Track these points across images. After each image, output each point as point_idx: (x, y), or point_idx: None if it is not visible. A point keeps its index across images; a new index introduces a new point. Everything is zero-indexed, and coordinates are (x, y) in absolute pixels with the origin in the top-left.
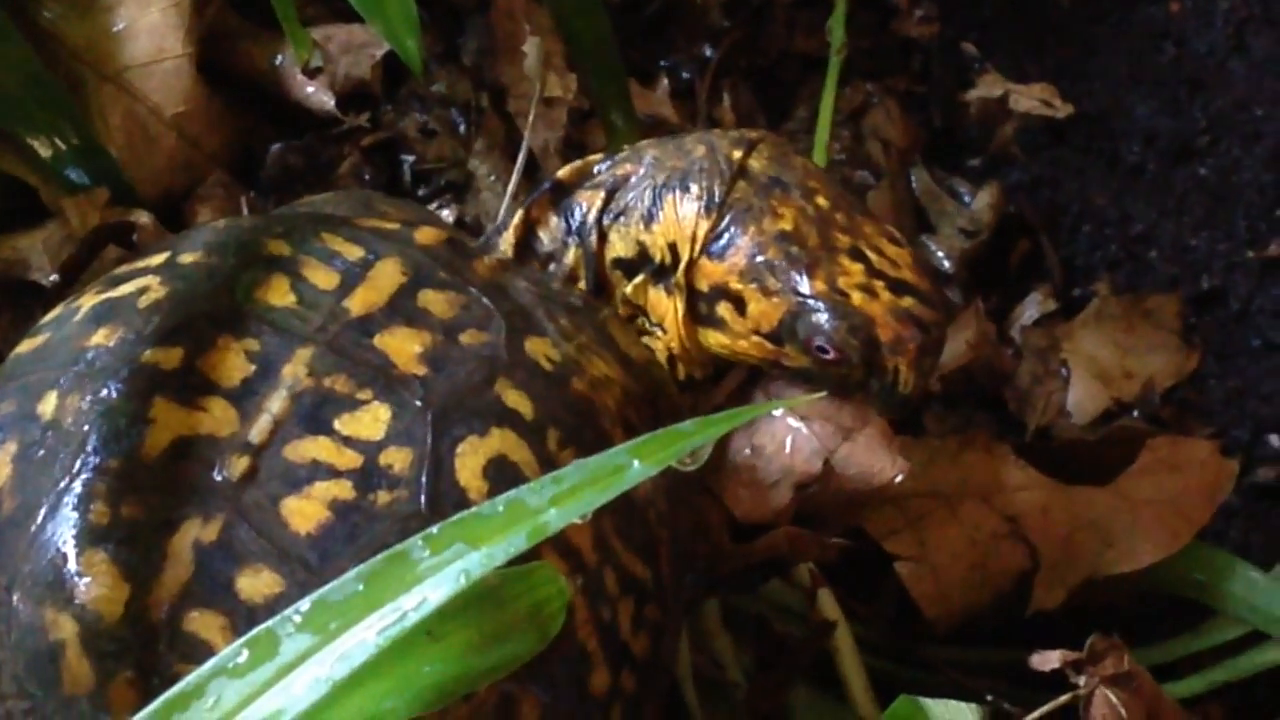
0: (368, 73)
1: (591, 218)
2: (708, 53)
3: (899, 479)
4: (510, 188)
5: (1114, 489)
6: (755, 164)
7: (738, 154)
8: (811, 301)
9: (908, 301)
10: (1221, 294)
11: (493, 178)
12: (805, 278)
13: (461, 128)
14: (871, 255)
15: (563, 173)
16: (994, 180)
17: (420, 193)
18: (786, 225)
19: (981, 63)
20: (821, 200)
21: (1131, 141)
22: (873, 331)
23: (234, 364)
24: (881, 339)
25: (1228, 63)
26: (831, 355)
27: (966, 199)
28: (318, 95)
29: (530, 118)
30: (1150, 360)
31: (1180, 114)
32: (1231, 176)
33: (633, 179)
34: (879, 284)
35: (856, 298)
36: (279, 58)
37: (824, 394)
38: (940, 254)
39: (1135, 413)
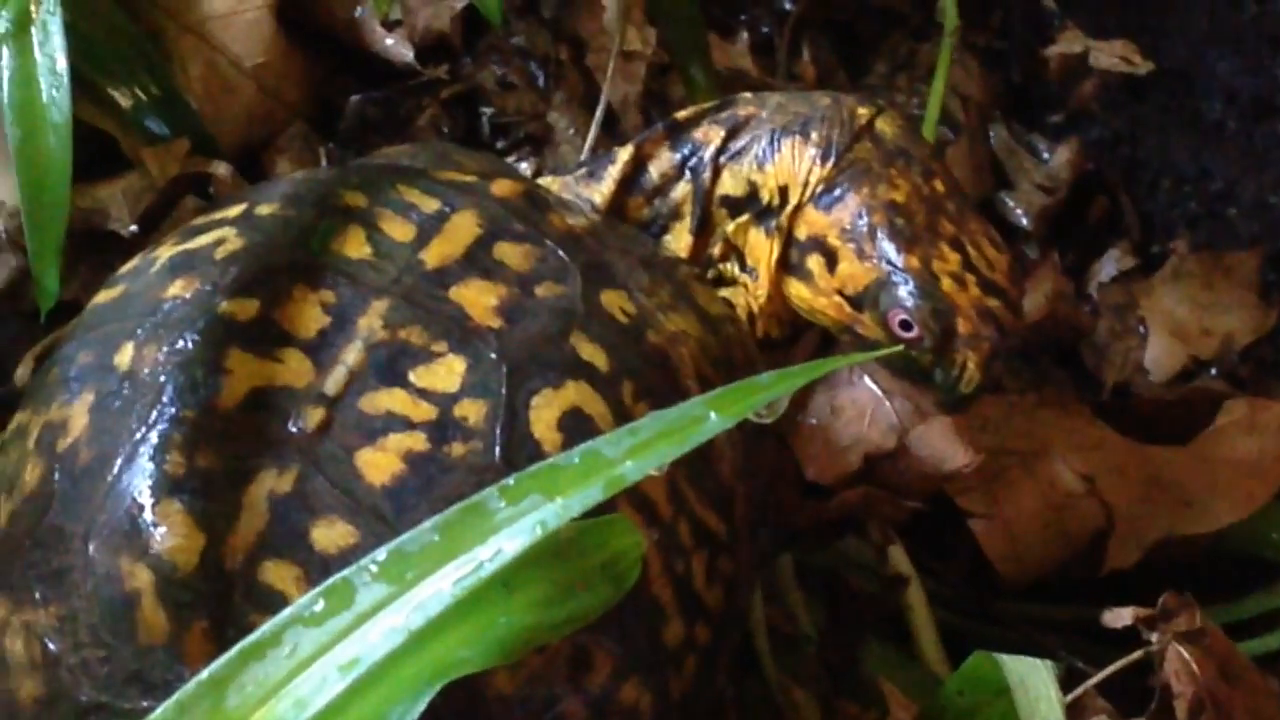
0: (447, 25)
1: (708, 154)
2: (787, 6)
3: (968, 470)
4: (588, 141)
5: (1191, 449)
6: (887, 129)
7: (864, 111)
8: (902, 275)
9: (994, 302)
10: None
11: (571, 131)
12: (902, 252)
13: (540, 81)
14: (971, 250)
15: (681, 115)
16: (1073, 137)
17: (498, 145)
18: (899, 197)
19: (1061, 19)
20: (939, 185)
21: (1212, 99)
22: (953, 320)
23: (310, 315)
24: (960, 330)
25: None
26: (908, 333)
27: (1045, 155)
28: (397, 47)
29: (609, 71)
30: (1228, 318)
31: (1261, 71)
32: None
33: (753, 121)
34: (971, 278)
35: (946, 284)
36: (359, 9)
37: (897, 348)
38: (1018, 210)
39: (1213, 370)
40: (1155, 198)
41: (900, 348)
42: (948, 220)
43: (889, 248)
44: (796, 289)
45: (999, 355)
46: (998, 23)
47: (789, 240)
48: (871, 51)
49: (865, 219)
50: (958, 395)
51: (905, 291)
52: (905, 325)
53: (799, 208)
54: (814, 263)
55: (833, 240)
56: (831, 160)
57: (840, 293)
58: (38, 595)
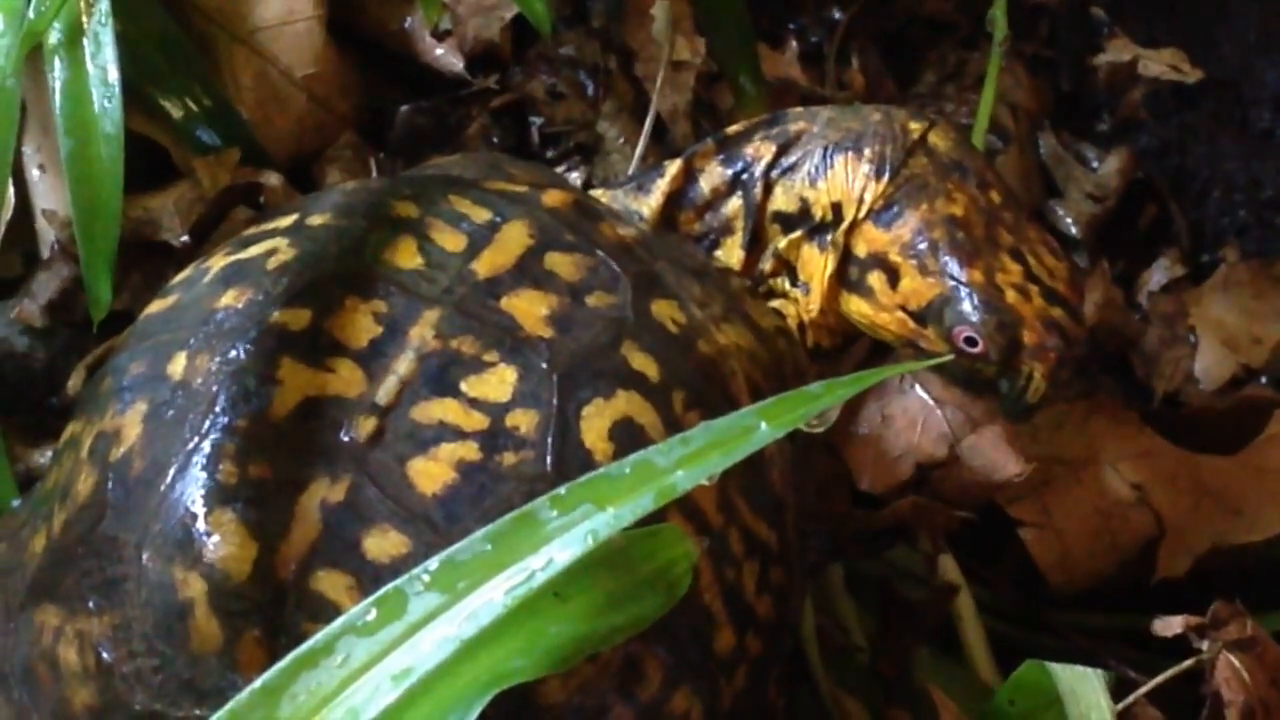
0: (497, 35)
1: (759, 170)
2: (836, 16)
3: (1019, 479)
4: (638, 150)
5: (1242, 458)
6: (941, 143)
7: (915, 126)
8: (966, 290)
9: (1058, 312)
10: None
11: (621, 140)
12: (965, 266)
13: (590, 90)
14: (1031, 260)
15: (731, 129)
16: (1122, 145)
17: (548, 155)
18: (958, 210)
19: (1110, 27)
20: (995, 195)
21: (1261, 107)
22: (1019, 332)
23: (362, 325)
24: (1026, 341)
25: None
26: (974, 348)
27: (1094, 164)
28: (447, 57)
29: (658, 81)
30: (1278, 326)
31: None
32: None
33: (805, 136)
34: (1034, 289)
35: (1010, 296)
36: (408, 19)
37: (950, 356)
38: (1068, 219)
39: (1263, 379)
40: (1205, 206)
41: (952, 356)
42: (1006, 231)
43: (951, 262)
44: (857, 305)
45: (1065, 364)
46: (1046, 31)
47: (847, 257)
48: (920, 61)
49: (926, 235)
50: (1024, 406)
51: (970, 306)
52: (970, 341)
53: (856, 224)
54: (875, 279)
55: (894, 257)
56: (886, 176)
57: (903, 308)
58: (91, 604)
